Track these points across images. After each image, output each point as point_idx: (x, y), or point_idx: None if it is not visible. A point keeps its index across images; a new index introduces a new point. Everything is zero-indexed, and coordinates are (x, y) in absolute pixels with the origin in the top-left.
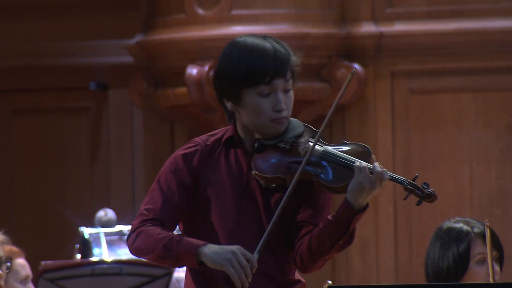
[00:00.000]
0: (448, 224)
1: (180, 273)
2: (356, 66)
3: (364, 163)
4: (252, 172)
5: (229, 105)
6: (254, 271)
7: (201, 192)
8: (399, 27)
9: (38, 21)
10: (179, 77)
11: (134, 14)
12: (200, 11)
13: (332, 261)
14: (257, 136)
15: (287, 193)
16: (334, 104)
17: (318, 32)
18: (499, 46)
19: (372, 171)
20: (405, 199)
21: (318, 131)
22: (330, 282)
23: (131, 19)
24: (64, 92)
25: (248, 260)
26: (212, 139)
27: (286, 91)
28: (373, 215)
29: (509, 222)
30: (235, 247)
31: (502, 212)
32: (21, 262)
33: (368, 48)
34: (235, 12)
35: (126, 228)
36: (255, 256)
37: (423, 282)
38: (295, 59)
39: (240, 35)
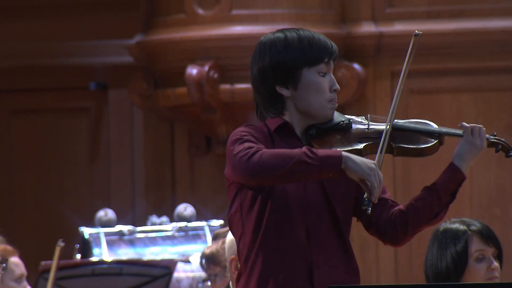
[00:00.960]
0: (444, 225)
1: (180, 273)
2: (356, 66)
3: (470, 124)
4: None
5: (284, 92)
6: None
7: None
8: (399, 27)
9: (38, 21)
10: (179, 77)
11: (134, 14)
12: (200, 11)
13: None
14: (309, 122)
15: (380, 150)
16: (401, 76)
17: (318, 32)
18: (499, 46)
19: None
20: (497, 151)
21: (362, 117)
22: None
23: (131, 19)
24: (64, 92)
25: (380, 179)
26: (259, 128)
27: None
28: None
29: (509, 222)
30: (373, 162)
31: (502, 212)
32: (15, 261)
33: (368, 48)
34: (235, 12)
35: (126, 228)
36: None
37: (423, 282)
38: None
39: (271, 32)
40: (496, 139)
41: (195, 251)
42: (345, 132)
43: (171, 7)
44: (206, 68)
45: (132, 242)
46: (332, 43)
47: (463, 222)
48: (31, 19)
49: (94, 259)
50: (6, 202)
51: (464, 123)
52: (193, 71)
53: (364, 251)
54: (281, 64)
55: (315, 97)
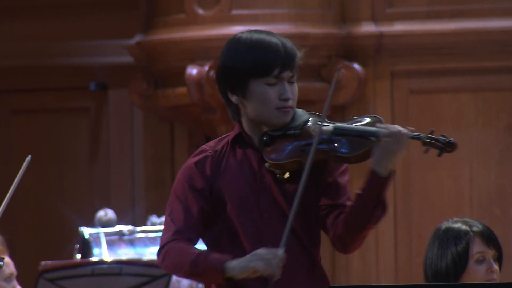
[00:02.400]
0: (446, 224)
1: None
2: (356, 66)
3: (389, 126)
4: (266, 164)
5: (234, 98)
6: (283, 263)
7: (218, 198)
8: (399, 27)
9: (38, 21)
10: (179, 77)
11: (134, 14)
12: (200, 11)
13: (332, 261)
14: (264, 129)
15: (304, 173)
16: (328, 98)
17: (318, 32)
18: (499, 46)
19: (392, 133)
20: (426, 152)
21: (319, 114)
22: None
23: (131, 19)
24: (64, 92)
25: (274, 254)
26: (221, 144)
27: (291, 83)
28: None
29: (509, 222)
30: (257, 250)
31: (502, 212)
32: (5, 260)
33: (368, 48)
34: (235, 12)
35: (126, 228)
36: (280, 250)
37: (422, 282)
38: (299, 54)
39: (242, 32)
40: (428, 138)
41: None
42: (294, 139)
43: (171, 7)
44: (206, 68)
45: (132, 242)
46: (290, 50)
47: (465, 222)
48: (31, 19)
49: (94, 259)
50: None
51: (380, 128)
52: (193, 71)
53: (364, 251)
54: (229, 71)
55: (262, 108)
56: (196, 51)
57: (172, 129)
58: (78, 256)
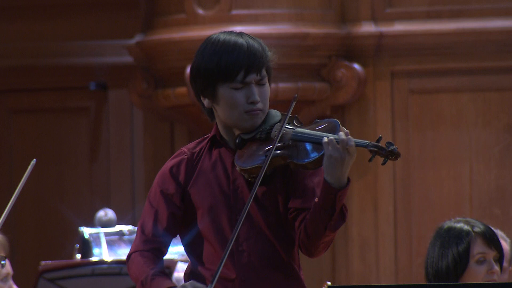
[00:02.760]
0: (448, 223)
1: (180, 273)
2: (356, 66)
3: (331, 136)
4: (236, 168)
5: (206, 102)
6: None
7: (191, 201)
8: (398, 27)
9: (38, 21)
10: (178, 77)
11: (134, 14)
12: (200, 11)
13: (332, 261)
14: (237, 132)
15: (257, 178)
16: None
17: (318, 32)
18: (499, 46)
19: (338, 141)
20: (370, 160)
21: (295, 116)
22: (329, 283)
23: (131, 19)
24: (63, 92)
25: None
26: (200, 145)
27: (260, 84)
28: (373, 215)
29: (508, 222)
30: (187, 283)
31: (502, 212)
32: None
33: (368, 48)
34: (235, 12)
35: (126, 228)
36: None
37: (423, 282)
38: (270, 55)
39: (216, 33)
40: (373, 146)
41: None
42: (260, 144)
43: (171, 7)
44: None
45: (132, 242)
46: (254, 53)
47: (467, 223)
48: (31, 19)
49: (94, 259)
50: (5, 202)
51: (324, 138)
52: None
53: (364, 251)
54: (197, 74)
55: (231, 112)
56: (195, 51)
57: (172, 129)
58: (78, 256)
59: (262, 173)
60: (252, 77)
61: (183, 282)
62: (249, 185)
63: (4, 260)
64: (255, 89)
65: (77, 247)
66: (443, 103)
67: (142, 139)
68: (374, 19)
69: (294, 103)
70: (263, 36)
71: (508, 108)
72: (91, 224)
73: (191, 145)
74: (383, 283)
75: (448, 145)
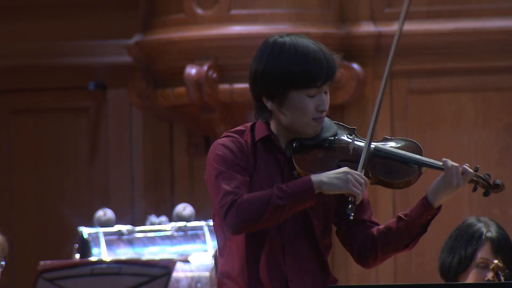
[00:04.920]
0: (471, 220)
1: (179, 273)
2: (355, 66)
3: (452, 163)
4: (295, 172)
5: (269, 104)
6: (367, 186)
7: (249, 185)
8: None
9: (37, 21)
10: (178, 77)
11: (133, 14)
12: (199, 11)
13: (331, 261)
14: (293, 136)
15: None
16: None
17: (317, 32)
18: (498, 46)
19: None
20: (474, 191)
21: (353, 128)
22: None
23: (130, 19)
24: (63, 92)
25: (360, 178)
26: (243, 137)
27: (326, 93)
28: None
29: (508, 222)
30: (344, 168)
31: (501, 212)
32: None
33: (367, 48)
34: (234, 12)
35: (125, 228)
36: (362, 174)
37: (422, 282)
38: (338, 61)
39: (279, 34)
40: (476, 176)
41: (194, 251)
42: (327, 151)
43: (170, 7)
44: (205, 68)
45: (131, 242)
46: (331, 62)
47: (486, 225)
48: (30, 19)
49: (93, 258)
50: (5, 202)
51: (447, 161)
52: (192, 71)
53: None
54: (269, 77)
55: (298, 117)
56: (195, 51)
57: (171, 129)
58: (77, 255)
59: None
60: (326, 86)
61: (182, 282)
62: None
63: (3, 260)
64: (325, 97)
65: (76, 247)
66: (443, 103)
67: (141, 139)
68: (373, 19)
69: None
70: (262, 36)
71: (508, 108)
72: (90, 224)
73: (234, 133)
74: (382, 283)
75: (447, 145)
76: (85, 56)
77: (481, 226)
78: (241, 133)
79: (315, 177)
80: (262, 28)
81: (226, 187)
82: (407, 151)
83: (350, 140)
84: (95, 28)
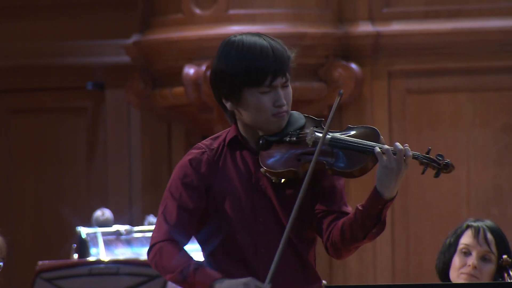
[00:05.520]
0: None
1: None
2: (353, 66)
3: (385, 146)
4: (262, 169)
5: (228, 105)
6: None
7: (213, 197)
8: (396, 27)
9: (36, 21)
10: (176, 77)
11: (131, 14)
12: (198, 11)
13: (329, 260)
14: (260, 133)
15: (304, 185)
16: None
17: (316, 32)
18: (496, 46)
19: (394, 152)
20: (423, 173)
21: (320, 120)
22: (325, 282)
23: (129, 19)
24: (61, 91)
25: None
26: (216, 142)
27: (285, 87)
28: None
29: (506, 222)
30: (248, 279)
31: (500, 212)
32: None
33: (365, 48)
34: (232, 12)
35: (123, 228)
36: (267, 286)
37: (420, 281)
38: (292, 56)
39: (235, 33)
40: (426, 158)
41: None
42: (290, 145)
43: (168, 7)
44: (203, 67)
45: (129, 242)
46: (280, 56)
47: (476, 219)
48: (28, 19)
49: (91, 259)
50: (3, 202)
51: (384, 146)
52: (190, 70)
53: (361, 251)
54: (222, 78)
55: (257, 115)
56: (193, 51)
57: (169, 129)
58: (75, 255)
59: (308, 178)
60: (279, 81)
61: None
62: (272, 185)
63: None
64: (281, 92)
65: (75, 247)
66: (441, 103)
67: (139, 139)
68: (372, 19)
69: (339, 98)
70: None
71: (506, 108)
72: (88, 224)
73: (206, 141)
74: (380, 283)
75: (445, 145)
76: (84, 56)
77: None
78: (215, 139)
79: (217, 282)
80: (260, 28)
81: (162, 217)
82: (363, 139)
83: (314, 132)
84: (94, 28)
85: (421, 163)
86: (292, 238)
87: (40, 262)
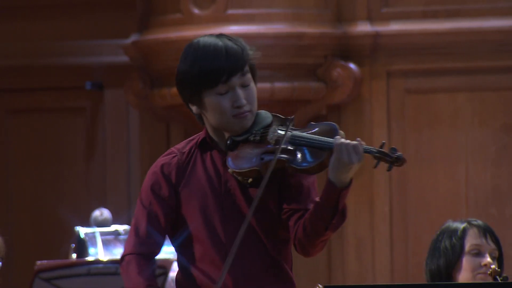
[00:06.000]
0: (446, 224)
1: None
2: (352, 65)
3: (342, 140)
4: (229, 170)
5: (194, 108)
6: None
7: (183, 201)
8: (395, 26)
9: (35, 21)
10: (174, 77)
11: (130, 14)
12: (196, 11)
13: (328, 261)
14: (227, 134)
15: (261, 185)
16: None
17: (314, 31)
18: (496, 46)
19: (347, 146)
20: (375, 167)
21: (286, 118)
22: (320, 286)
23: (127, 19)
24: (60, 91)
25: None
26: (189, 145)
27: (245, 86)
28: (369, 215)
29: (505, 222)
30: None
31: (498, 212)
32: None
33: (364, 48)
34: (230, 11)
35: (122, 228)
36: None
37: (419, 281)
38: (251, 53)
39: (197, 37)
40: (378, 152)
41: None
42: (254, 145)
43: (167, 7)
44: None
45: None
46: (234, 55)
47: (464, 220)
48: (27, 19)
49: (89, 258)
50: (2, 202)
51: (337, 138)
52: None
53: (360, 251)
54: (182, 82)
55: (218, 117)
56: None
57: (168, 129)
58: (74, 255)
59: (266, 177)
60: (235, 80)
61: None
62: (241, 186)
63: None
64: (240, 92)
65: (73, 247)
66: (440, 103)
67: (138, 139)
68: (370, 18)
69: (292, 122)
70: (259, 36)
71: (505, 108)
72: (87, 224)
73: (180, 145)
74: (379, 283)
75: (444, 145)
76: (82, 56)
77: (459, 222)
78: (189, 141)
79: None
80: (259, 28)
81: (133, 234)
82: (322, 135)
83: (276, 130)
84: (93, 28)
85: (374, 157)
86: (262, 237)
87: (38, 262)
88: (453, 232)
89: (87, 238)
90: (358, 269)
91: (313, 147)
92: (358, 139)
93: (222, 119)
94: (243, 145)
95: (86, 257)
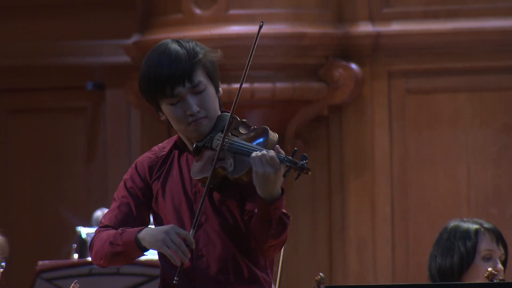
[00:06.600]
0: (455, 222)
1: None
2: (353, 66)
3: (256, 152)
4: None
5: (160, 114)
6: (192, 247)
7: (159, 199)
8: (396, 27)
9: (35, 21)
10: None
11: (131, 14)
12: (197, 11)
13: (329, 261)
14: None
15: (204, 193)
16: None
17: (315, 32)
18: (496, 46)
19: (261, 157)
20: (284, 176)
21: (242, 121)
22: (322, 274)
23: (128, 19)
24: (61, 91)
25: (183, 238)
26: (169, 145)
27: (196, 93)
28: (370, 216)
29: (505, 222)
30: (169, 226)
31: (499, 212)
32: None
33: (365, 48)
34: (232, 12)
35: None
36: (191, 233)
37: (420, 281)
38: (202, 57)
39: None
40: (288, 161)
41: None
42: (209, 151)
43: (168, 7)
44: None
45: None
46: (176, 65)
47: (474, 222)
48: (28, 19)
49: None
50: (3, 202)
51: (252, 154)
52: None
53: (361, 251)
54: (140, 91)
55: (176, 125)
56: None
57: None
58: (76, 255)
59: (207, 188)
60: (181, 90)
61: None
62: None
63: (4, 261)
64: (192, 100)
65: (75, 247)
66: (440, 103)
67: (139, 139)
68: (371, 19)
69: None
70: (260, 36)
71: (505, 108)
72: (88, 224)
73: (163, 143)
74: (380, 283)
75: (445, 145)
76: (83, 56)
77: (470, 224)
78: (170, 141)
79: (140, 233)
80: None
81: (105, 215)
82: (255, 140)
83: (220, 138)
84: (93, 28)
85: (286, 166)
86: (229, 243)
87: (40, 262)
88: (466, 233)
89: (88, 238)
90: (359, 269)
91: (245, 155)
92: (277, 146)
93: (180, 127)
94: (203, 150)
95: (88, 257)
